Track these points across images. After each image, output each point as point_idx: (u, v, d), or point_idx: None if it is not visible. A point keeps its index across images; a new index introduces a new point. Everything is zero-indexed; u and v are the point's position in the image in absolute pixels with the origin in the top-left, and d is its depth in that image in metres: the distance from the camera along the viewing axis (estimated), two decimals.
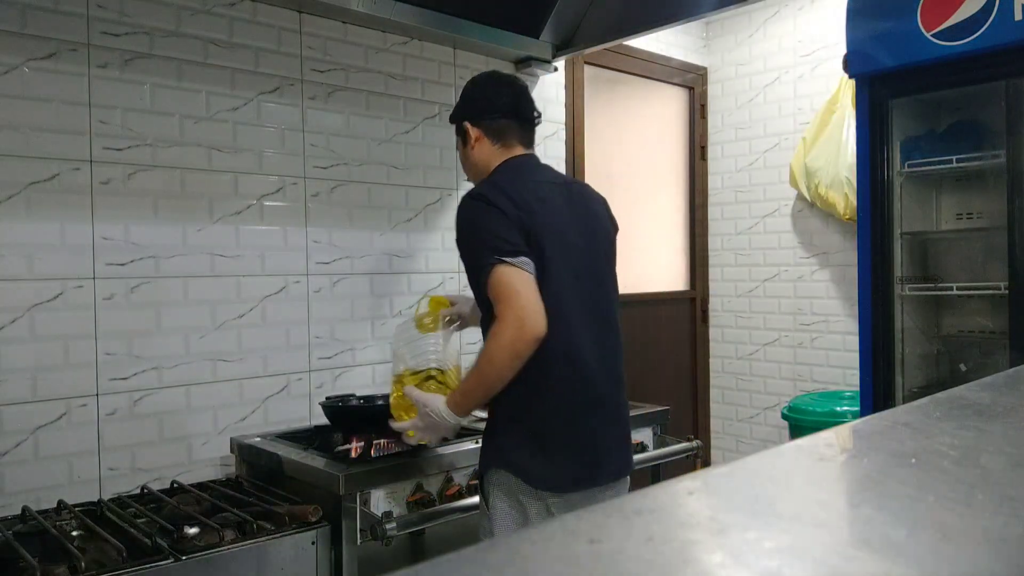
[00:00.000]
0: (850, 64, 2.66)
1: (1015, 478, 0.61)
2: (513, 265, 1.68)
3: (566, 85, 3.48)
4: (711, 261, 4.19)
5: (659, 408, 2.74)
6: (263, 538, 1.80)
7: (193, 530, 1.77)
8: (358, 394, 2.50)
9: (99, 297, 2.19)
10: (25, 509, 1.96)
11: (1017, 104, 2.43)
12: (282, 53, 2.56)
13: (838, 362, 3.70)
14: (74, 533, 1.83)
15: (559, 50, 3.19)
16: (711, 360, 4.22)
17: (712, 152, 4.18)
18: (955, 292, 2.76)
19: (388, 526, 1.89)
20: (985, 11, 2.34)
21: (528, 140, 1.96)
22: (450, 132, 3.02)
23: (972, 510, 0.53)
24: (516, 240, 1.70)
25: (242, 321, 2.47)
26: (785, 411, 3.41)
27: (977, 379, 1.01)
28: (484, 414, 1.89)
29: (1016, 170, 2.44)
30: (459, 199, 1.86)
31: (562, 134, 3.45)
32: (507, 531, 1.77)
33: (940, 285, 2.82)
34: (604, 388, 1.83)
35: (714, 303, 4.20)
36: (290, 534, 1.85)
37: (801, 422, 3.29)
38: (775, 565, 0.44)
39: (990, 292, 2.61)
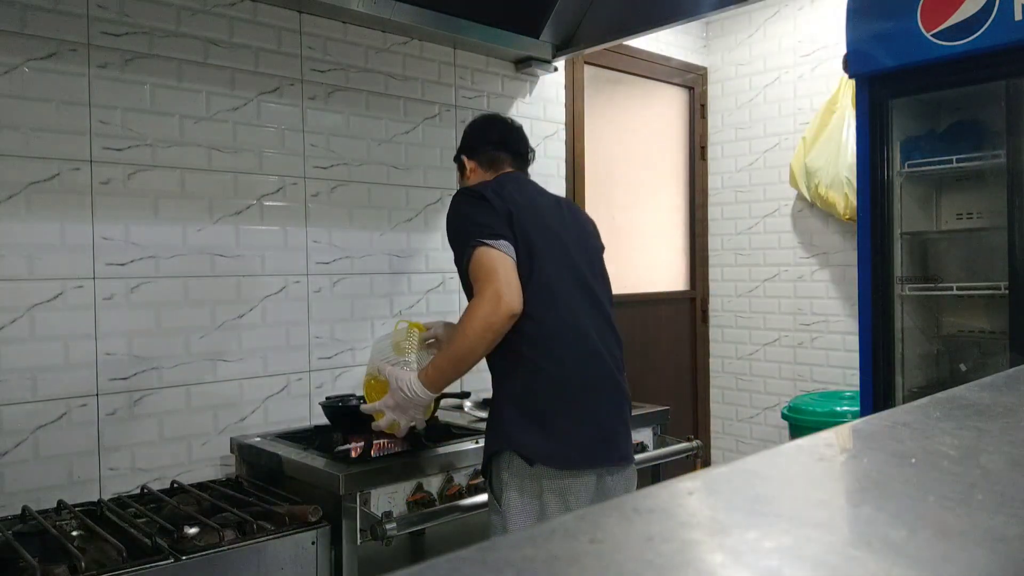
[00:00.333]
0: (850, 64, 2.66)
1: (1015, 478, 0.61)
2: (493, 247, 1.73)
3: (566, 85, 3.48)
4: (711, 261, 4.20)
5: (659, 408, 2.74)
6: (263, 538, 1.80)
7: (193, 530, 1.77)
8: (358, 394, 2.49)
9: (99, 297, 2.19)
10: (25, 509, 1.96)
11: (1017, 104, 2.43)
12: (282, 53, 2.56)
13: (838, 362, 3.70)
14: (74, 533, 1.83)
15: (559, 50, 3.19)
16: (711, 360, 4.22)
17: (712, 152, 4.18)
18: (955, 292, 2.76)
19: (388, 526, 1.88)
20: (985, 11, 2.34)
21: (521, 169, 2.03)
22: (450, 132, 3.03)
23: (972, 510, 0.53)
24: (499, 226, 1.77)
25: (242, 321, 2.47)
26: (785, 411, 3.41)
27: (977, 379, 1.01)
28: (484, 414, 1.89)
29: (1016, 170, 2.44)
30: None
31: (562, 134, 3.45)
32: (522, 518, 1.74)
33: (940, 285, 2.82)
34: (610, 366, 1.85)
35: (714, 303, 4.20)
36: (290, 534, 1.85)
37: (801, 422, 3.29)
38: (775, 565, 0.44)
39: (990, 292, 2.61)
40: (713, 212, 4.18)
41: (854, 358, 2.88)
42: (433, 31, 2.83)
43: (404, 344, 2.02)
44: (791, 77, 3.83)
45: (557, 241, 1.86)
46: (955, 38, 2.40)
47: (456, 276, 1.93)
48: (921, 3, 2.47)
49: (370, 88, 2.78)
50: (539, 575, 0.42)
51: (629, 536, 0.47)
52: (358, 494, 1.96)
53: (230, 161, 2.44)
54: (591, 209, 3.61)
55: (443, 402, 2.37)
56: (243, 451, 2.33)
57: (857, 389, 2.79)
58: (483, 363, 1.93)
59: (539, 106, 3.35)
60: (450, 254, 1.91)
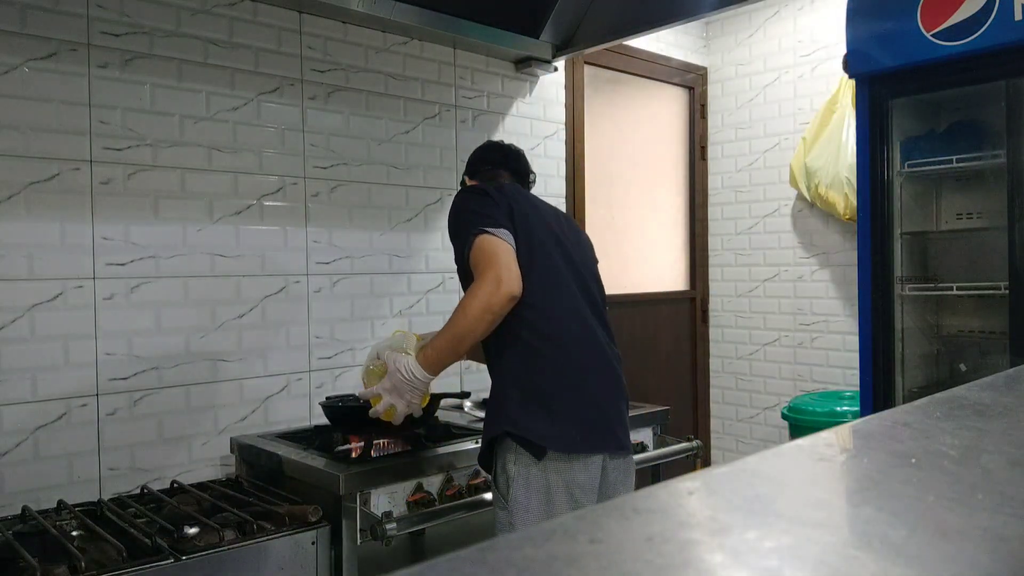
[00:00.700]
0: (850, 64, 2.66)
1: (1015, 478, 0.61)
2: (494, 234, 1.76)
3: (566, 85, 3.48)
4: (711, 261, 4.20)
5: (659, 408, 2.74)
6: (263, 538, 1.80)
7: (193, 530, 1.77)
8: (358, 394, 2.49)
9: (99, 297, 2.19)
10: (25, 509, 1.96)
11: (1017, 104, 2.43)
12: (282, 53, 2.56)
13: (838, 362, 3.70)
14: (74, 533, 1.83)
15: (559, 50, 3.19)
16: (711, 360, 4.22)
17: (712, 152, 4.18)
18: (955, 292, 2.76)
19: (388, 526, 1.88)
20: (985, 11, 2.34)
21: (522, 186, 2.07)
22: (450, 132, 3.03)
23: (972, 510, 0.53)
24: (500, 217, 1.80)
25: (242, 321, 2.47)
26: (785, 411, 3.41)
27: (977, 379, 1.01)
28: (482, 414, 1.89)
29: (1016, 170, 2.44)
30: None
31: (562, 134, 3.45)
32: (529, 515, 1.73)
33: (940, 285, 2.82)
34: (609, 356, 1.87)
35: (714, 303, 4.20)
36: (290, 534, 1.85)
37: (801, 422, 3.29)
38: (775, 565, 0.44)
39: (990, 292, 2.61)
40: (713, 212, 4.18)
41: (854, 358, 2.88)
42: (433, 31, 2.83)
43: (402, 346, 2.02)
44: (791, 77, 3.83)
45: (556, 240, 1.88)
46: (955, 38, 2.40)
47: (456, 277, 1.92)
48: (921, 3, 2.47)
49: (370, 88, 2.78)
50: (539, 575, 0.42)
51: (629, 536, 0.47)
52: (358, 494, 1.96)
53: (230, 161, 2.44)
54: (591, 209, 3.61)
55: (443, 402, 2.37)
56: (243, 451, 2.33)
57: (857, 389, 2.79)
58: (483, 366, 1.93)
59: (539, 106, 3.35)
60: (450, 254, 1.91)
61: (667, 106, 4.08)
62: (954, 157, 2.67)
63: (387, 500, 2.02)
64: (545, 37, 3.13)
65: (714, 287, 4.20)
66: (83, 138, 2.17)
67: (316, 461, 2.07)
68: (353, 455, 2.10)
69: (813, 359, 3.79)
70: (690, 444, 2.68)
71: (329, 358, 2.67)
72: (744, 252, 4.05)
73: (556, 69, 3.32)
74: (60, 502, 2.03)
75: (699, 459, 2.77)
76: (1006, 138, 2.47)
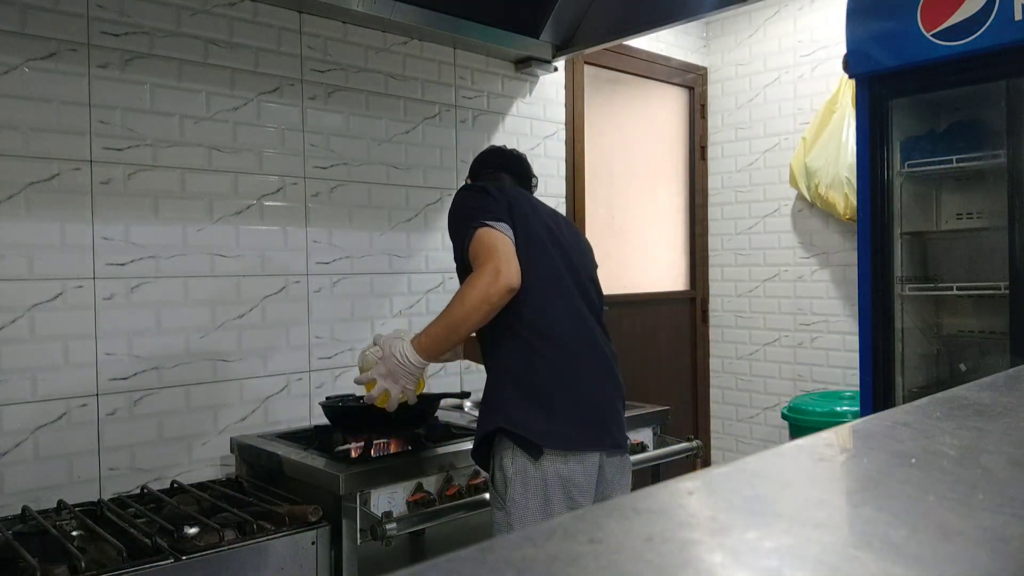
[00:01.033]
0: (850, 64, 2.66)
1: (1015, 478, 0.61)
2: (494, 228, 1.76)
3: (566, 85, 3.48)
4: (711, 261, 4.19)
5: (659, 408, 2.74)
6: (263, 538, 1.80)
7: (193, 530, 1.77)
8: (358, 394, 2.49)
9: (99, 297, 2.19)
10: (25, 509, 1.96)
11: (1017, 104, 2.43)
12: (282, 53, 2.56)
13: (838, 362, 3.70)
14: (74, 533, 1.83)
15: (559, 50, 3.19)
16: (711, 360, 4.22)
17: (712, 152, 4.18)
18: (955, 292, 2.76)
19: (388, 526, 1.88)
20: (985, 11, 2.34)
21: (524, 189, 2.06)
22: (450, 132, 3.03)
23: (972, 510, 0.53)
24: (500, 212, 1.80)
25: (242, 321, 2.47)
26: (785, 411, 3.41)
27: (977, 379, 1.01)
28: (476, 413, 1.88)
29: (1016, 170, 2.44)
30: None
31: (562, 134, 3.45)
32: (527, 515, 1.72)
33: (940, 285, 2.82)
34: (607, 355, 1.87)
35: (714, 303, 4.20)
36: (290, 534, 1.85)
37: (801, 422, 3.29)
38: (775, 565, 0.44)
39: (990, 292, 2.61)
40: (713, 212, 4.18)
41: (854, 358, 2.88)
42: (433, 31, 2.83)
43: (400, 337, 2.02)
44: (791, 77, 3.83)
45: (555, 240, 1.88)
46: (955, 38, 2.40)
47: (456, 278, 1.92)
48: (921, 3, 2.47)
49: (370, 88, 2.78)
50: (539, 575, 0.42)
51: (628, 536, 0.47)
52: (358, 494, 1.96)
53: (230, 161, 2.44)
54: (591, 209, 3.61)
55: (443, 402, 2.37)
56: (243, 451, 2.33)
57: (857, 389, 2.79)
58: (483, 366, 1.92)
59: (539, 106, 3.35)
60: (450, 254, 1.91)
61: (667, 106, 4.08)
62: (954, 157, 2.67)
63: (387, 500, 2.02)
64: (545, 37, 3.13)
65: (714, 287, 4.20)
66: (83, 138, 2.17)
67: (316, 461, 2.07)
68: (353, 455, 2.11)
69: (813, 359, 3.79)
70: (690, 444, 2.68)
71: (329, 358, 2.67)
72: (744, 252, 4.05)
73: (556, 69, 3.32)
74: (60, 502, 2.03)
75: (699, 459, 2.77)
76: (1006, 138, 2.47)
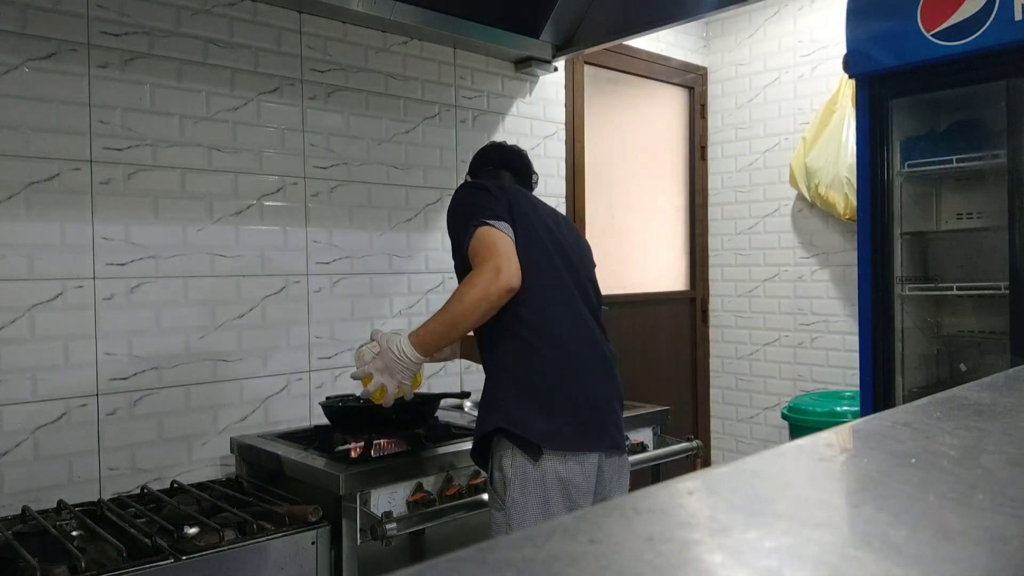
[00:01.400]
0: (850, 64, 2.66)
1: (1015, 478, 0.61)
2: (494, 226, 1.76)
3: (566, 85, 3.48)
4: (711, 261, 4.20)
5: (659, 408, 2.74)
6: (263, 538, 1.80)
7: (193, 530, 1.77)
8: (358, 394, 2.49)
9: (99, 297, 2.19)
10: (25, 509, 1.96)
11: (1017, 104, 2.43)
12: (282, 53, 2.56)
13: (838, 362, 3.70)
14: (74, 533, 1.83)
15: (559, 50, 3.19)
16: (711, 360, 4.22)
17: (712, 152, 4.18)
18: (955, 292, 2.76)
19: (388, 526, 1.88)
20: (985, 11, 2.34)
21: (524, 186, 2.06)
22: (450, 132, 3.03)
23: (972, 510, 0.53)
24: (500, 210, 1.79)
25: (242, 321, 2.47)
26: (785, 411, 3.41)
27: (977, 379, 1.01)
28: (476, 413, 1.88)
29: (1016, 170, 2.44)
30: None
31: (562, 134, 3.45)
32: (526, 516, 1.72)
33: (940, 285, 2.82)
34: (606, 355, 1.87)
35: (714, 303, 4.20)
36: (290, 534, 1.85)
37: (801, 422, 3.29)
38: (775, 565, 0.44)
39: (990, 292, 2.61)
40: (713, 212, 4.18)
41: (854, 358, 2.88)
42: (433, 31, 2.83)
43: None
44: (791, 77, 3.83)
45: (554, 240, 1.88)
46: (955, 38, 2.40)
47: (456, 277, 1.92)
48: (921, 3, 2.46)
49: (370, 88, 2.78)
50: (539, 575, 0.42)
51: (629, 536, 0.47)
52: (358, 494, 1.96)
53: (230, 161, 2.45)
54: (591, 209, 3.61)
55: (443, 402, 2.37)
56: (243, 451, 2.33)
57: (857, 389, 2.79)
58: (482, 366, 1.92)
59: (539, 106, 3.35)
60: (450, 254, 1.91)
61: (667, 106, 4.08)
62: (954, 157, 2.67)
63: (387, 500, 2.02)
64: (545, 37, 3.13)
65: (714, 287, 4.20)
66: (83, 138, 2.17)
67: (316, 461, 2.07)
68: (353, 455, 2.11)
69: (813, 359, 3.79)
70: (690, 444, 2.68)
71: (329, 358, 2.67)
72: (744, 252, 4.05)
73: (556, 69, 3.32)
74: (60, 502, 2.03)
75: (699, 459, 2.77)
76: (1006, 138, 2.47)
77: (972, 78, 2.48)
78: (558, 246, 1.88)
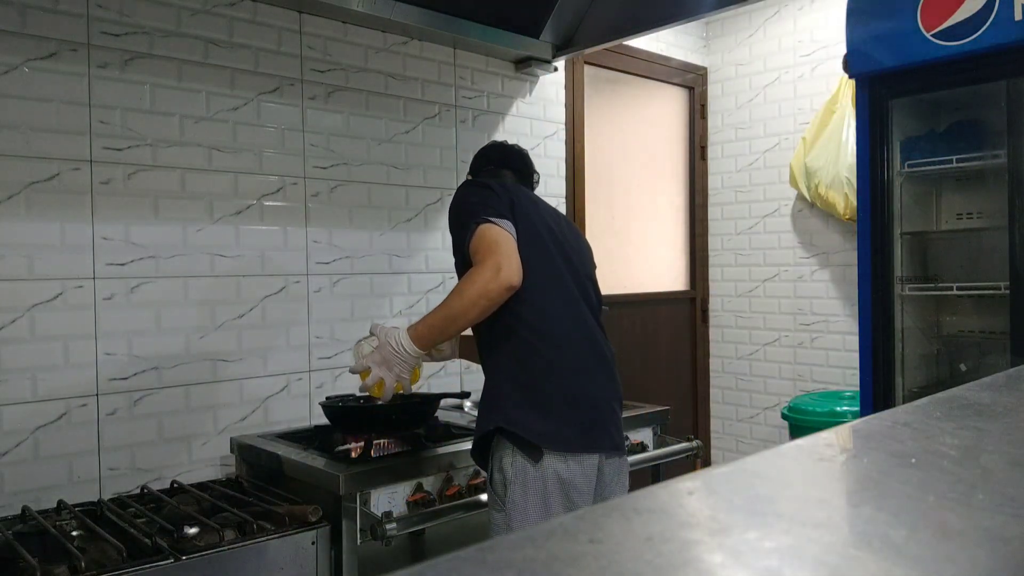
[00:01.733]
0: (850, 64, 2.66)
1: (1015, 478, 0.61)
2: (496, 224, 1.75)
3: (566, 85, 3.48)
4: (711, 261, 4.20)
5: (659, 408, 2.74)
6: (263, 538, 1.80)
7: (193, 530, 1.77)
8: (358, 394, 2.49)
9: (99, 297, 2.19)
10: (25, 509, 1.96)
11: (1017, 104, 2.43)
12: (282, 53, 2.56)
13: (838, 362, 3.70)
14: (74, 533, 1.83)
15: (559, 50, 3.19)
16: (711, 360, 4.22)
17: (712, 152, 4.18)
18: (955, 292, 2.76)
19: (388, 526, 1.88)
20: (985, 11, 2.34)
21: (525, 186, 2.06)
22: (450, 132, 3.03)
23: (972, 510, 0.53)
24: (502, 208, 1.79)
25: (242, 321, 2.47)
26: (785, 411, 3.41)
27: (977, 379, 1.01)
28: (476, 413, 1.88)
29: (1016, 170, 2.44)
30: None
31: (562, 134, 3.45)
32: (526, 517, 1.71)
33: (940, 285, 2.82)
34: (606, 356, 1.87)
35: (714, 303, 4.20)
36: (290, 534, 1.85)
37: (801, 422, 3.29)
38: (775, 565, 0.44)
39: (990, 292, 2.61)
40: (713, 212, 4.18)
41: (854, 358, 2.88)
42: (433, 31, 2.83)
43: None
44: (791, 77, 3.83)
45: (555, 240, 1.88)
46: (955, 38, 2.40)
47: (456, 277, 1.92)
48: (921, 3, 2.46)
49: (370, 88, 2.78)
50: (539, 575, 0.42)
51: (629, 536, 0.47)
52: (358, 494, 1.96)
53: (230, 161, 2.45)
54: (591, 209, 3.61)
55: (443, 402, 2.37)
56: (243, 451, 2.33)
57: (857, 389, 2.79)
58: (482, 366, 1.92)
59: (539, 106, 3.35)
60: (450, 254, 1.91)
61: (667, 106, 4.08)
62: (954, 157, 2.67)
63: (387, 500, 2.02)
64: (545, 37, 3.13)
65: (714, 287, 4.20)
66: (83, 138, 2.17)
67: (316, 461, 2.07)
68: (353, 455, 2.11)
69: (813, 359, 3.79)
70: (690, 444, 2.68)
71: (329, 358, 2.67)
72: (744, 252, 4.05)
73: (556, 69, 3.32)
74: (60, 502, 2.03)
75: (699, 459, 2.77)
76: (1006, 138, 2.47)
77: (972, 78, 2.48)
78: (559, 246, 1.88)
